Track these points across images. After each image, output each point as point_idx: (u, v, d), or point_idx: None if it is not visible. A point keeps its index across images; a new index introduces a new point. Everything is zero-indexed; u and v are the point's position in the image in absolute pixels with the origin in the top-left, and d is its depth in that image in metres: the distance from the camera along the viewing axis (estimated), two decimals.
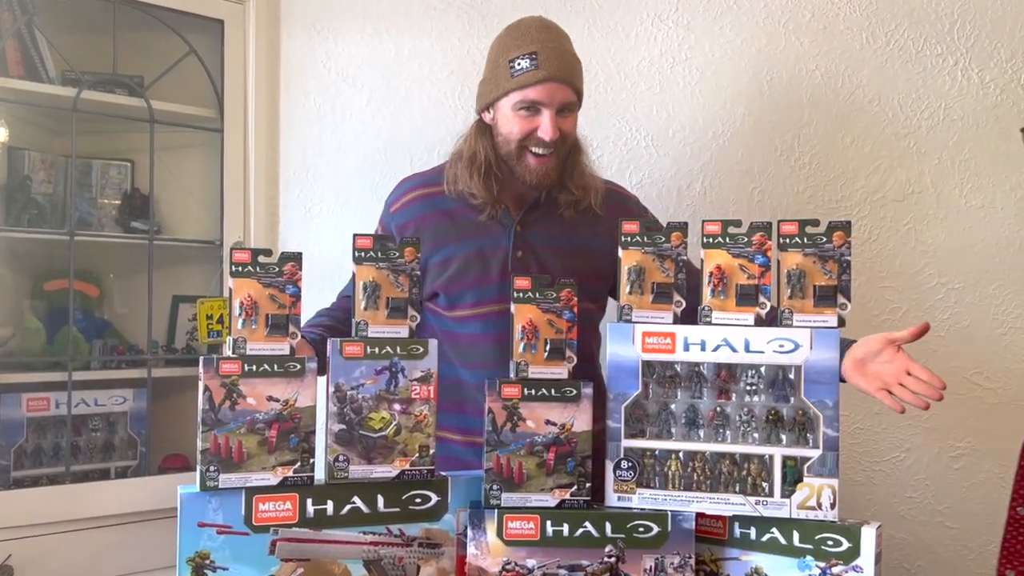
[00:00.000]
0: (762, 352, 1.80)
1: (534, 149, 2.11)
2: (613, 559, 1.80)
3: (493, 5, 2.90)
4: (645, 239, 1.84)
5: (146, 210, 2.93)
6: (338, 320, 2.15)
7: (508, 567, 1.80)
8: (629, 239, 1.85)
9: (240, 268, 1.77)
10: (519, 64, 2.09)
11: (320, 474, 1.79)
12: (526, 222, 2.18)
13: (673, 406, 1.83)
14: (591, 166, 2.26)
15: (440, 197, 2.21)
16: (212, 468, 1.72)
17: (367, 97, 2.99)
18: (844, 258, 1.80)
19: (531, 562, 1.80)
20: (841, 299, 1.80)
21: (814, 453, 1.78)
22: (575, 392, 1.82)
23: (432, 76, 2.93)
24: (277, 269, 1.78)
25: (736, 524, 1.83)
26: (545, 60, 2.09)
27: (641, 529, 1.81)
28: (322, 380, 1.81)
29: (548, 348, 1.83)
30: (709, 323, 1.82)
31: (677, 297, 1.84)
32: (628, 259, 1.85)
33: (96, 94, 2.80)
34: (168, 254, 2.96)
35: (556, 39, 2.14)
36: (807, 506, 1.78)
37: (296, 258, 1.79)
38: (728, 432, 1.82)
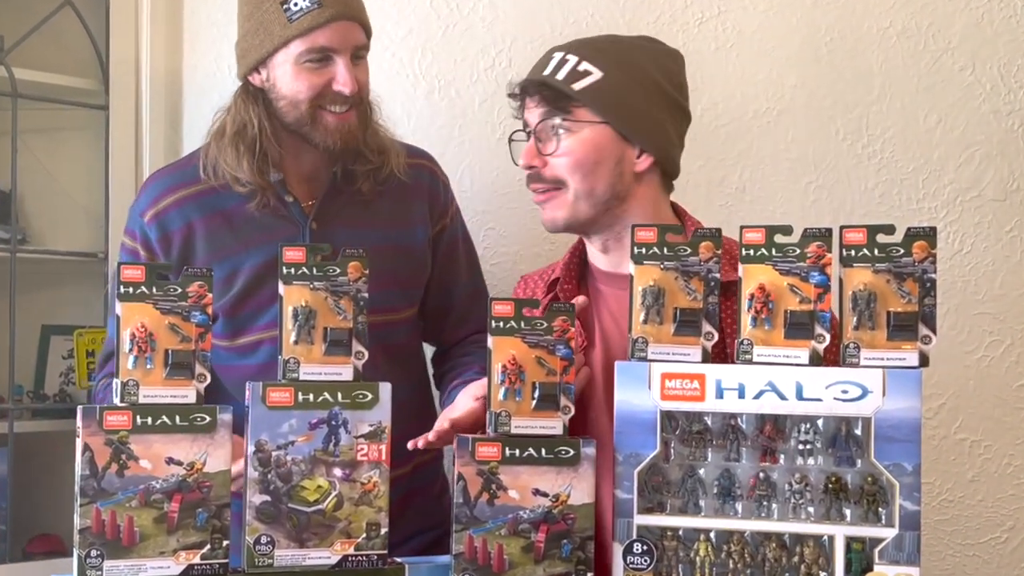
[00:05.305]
0: (819, 400, 1.80)
1: (331, 107, 2.25)
2: None
3: None
4: (664, 251, 1.84)
5: (7, 213, 2.93)
6: None
7: None
8: (644, 251, 1.85)
9: (131, 289, 1.77)
10: (296, 5, 2.20)
11: (236, 560, 1.78)
12: (323, 216, 2.32)
13: (702, 471, 1.83)
14: (386, 126, 2.42)
15: (210, 195, 2.31)
16: (94, 553, 1.72)
17: None
18: (927, 276, 1.80)
19: None
20: (924, 330, 1.80)
21: (888, 533, 1.78)
22: (572, 453, 1.82)
23: (385, 37, 2.93)
24: (180, 291, 1.78)
25: None
26: None
27: None
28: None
29: (537, 394, 1.83)
30: (749, 361, 1.83)
31: (707, 327, 1.84)
32: (643, 277, 1.84)
33: None
34: (36, 270, 2.96)
35: None
36: None
37: (205, 276, 1.80)
38: (775, 506, 1.82)
